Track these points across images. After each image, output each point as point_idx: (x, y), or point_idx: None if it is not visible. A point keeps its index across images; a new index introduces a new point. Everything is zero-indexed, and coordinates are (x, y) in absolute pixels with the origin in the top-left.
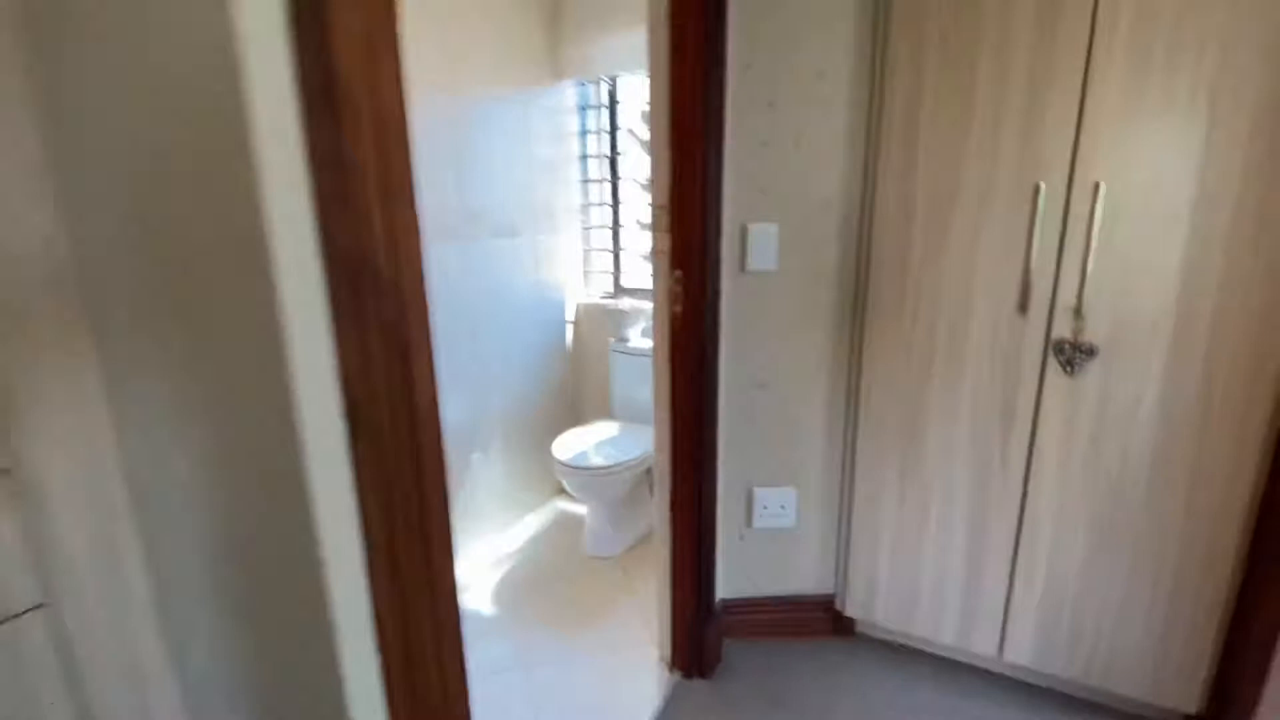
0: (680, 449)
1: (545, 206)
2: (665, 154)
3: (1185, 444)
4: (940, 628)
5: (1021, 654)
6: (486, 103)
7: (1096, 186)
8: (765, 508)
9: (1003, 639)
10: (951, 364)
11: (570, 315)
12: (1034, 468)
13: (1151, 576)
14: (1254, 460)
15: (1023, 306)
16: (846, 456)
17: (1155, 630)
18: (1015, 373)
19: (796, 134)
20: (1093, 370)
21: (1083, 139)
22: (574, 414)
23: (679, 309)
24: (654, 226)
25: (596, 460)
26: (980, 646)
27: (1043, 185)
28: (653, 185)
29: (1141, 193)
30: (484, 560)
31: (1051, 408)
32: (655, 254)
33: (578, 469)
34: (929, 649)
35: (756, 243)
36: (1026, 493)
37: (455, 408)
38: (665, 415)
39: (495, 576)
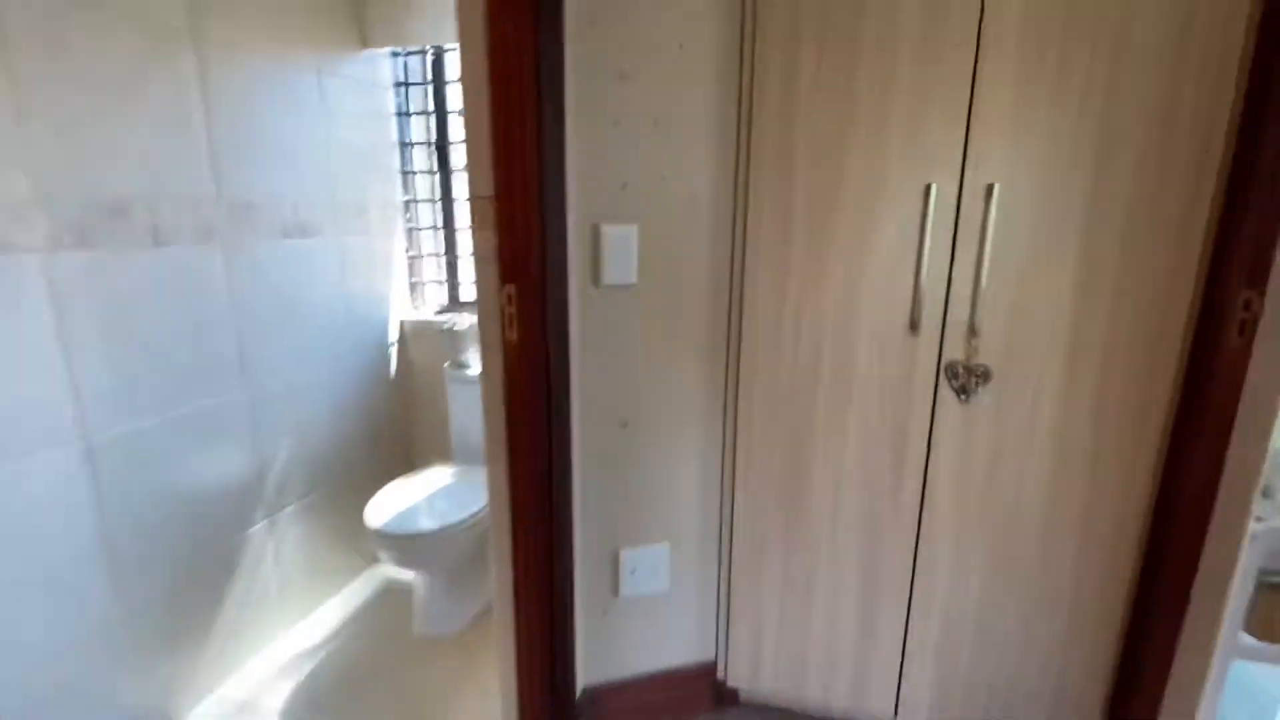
0: (524, 512)
1: (353, 202)
2: (485, 124)
3: (1079, 470)
4: (832, 689)
5: (919, 710)
6: (261, 66)
7: (990, 189)
8: (634, 572)
9: (899, 696)
10: (838, 393)
11: (394, 336)
12: (928, 505)
13: (1048, 609)
14: (1145, 485)
15: (914, 325)
16: (725, 502)
17: (1053, 663)
18: (906, 402)
19: (656, 114)
20: (986, 396)
21: (974, 134)
22: (404, 457)
23: (515, 336)
24: (475, 223)
25: (426, 522)
26: (876, 706)
27: (934, 186)
28: (471, 168)
29: (1036, 196)
30: (275, 663)
31: (945, 439)
32: (479, 261)
33: (402, 537)
34: (821, 714)
35: (612, 249)
36: (920, 533)
37: (220, 467)
38: (501, 470)
39: (291, 683)
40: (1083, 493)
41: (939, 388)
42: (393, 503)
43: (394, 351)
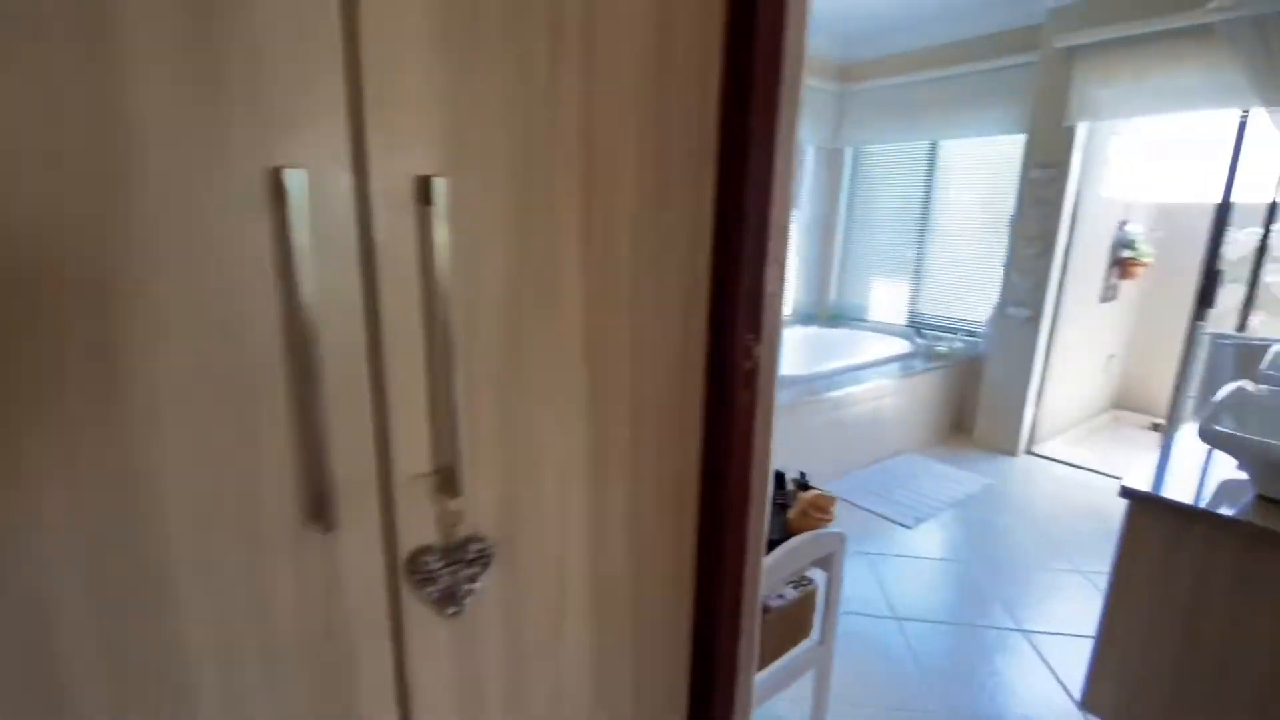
0: None
1: None
2: None
3: (623, 654)
4: None
5: None
6: None
7: (426, 186)
8: None
9: None
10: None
11: None
12: None
13: None
14: (685, 642)
15: (319, 509)
16: None
17: None
18: (341, 671)
19: None
20: (492, 590)
21: (367, 66)
22: None
23: None
24: None
25: None
26: None
27: (296, 175)
28: None
29: (510, 198)
30: None
31: (434, 692)
32: None
33: None
34: None
35: None
36: None
37: None
38: None
39: None
40: (631, 704)
41: (402, 613)
42: None
43: None
